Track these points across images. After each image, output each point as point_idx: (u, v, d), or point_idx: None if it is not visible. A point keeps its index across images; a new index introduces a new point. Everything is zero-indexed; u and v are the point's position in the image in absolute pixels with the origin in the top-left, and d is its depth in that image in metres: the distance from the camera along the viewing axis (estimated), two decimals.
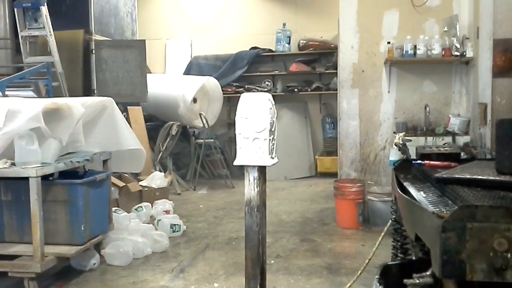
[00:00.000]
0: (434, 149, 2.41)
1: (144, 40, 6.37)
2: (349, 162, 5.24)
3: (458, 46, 4.75)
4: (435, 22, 4.95)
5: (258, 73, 8.11)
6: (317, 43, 7.93)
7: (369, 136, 5.17)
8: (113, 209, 4.22)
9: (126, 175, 5.41)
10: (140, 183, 5.54)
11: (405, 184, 1.93)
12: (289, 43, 8.04)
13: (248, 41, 8.18)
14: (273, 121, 1.69)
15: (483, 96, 4.39)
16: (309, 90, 7.88)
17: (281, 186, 6.92)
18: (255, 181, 1.65)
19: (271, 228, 4.68)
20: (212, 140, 7.31)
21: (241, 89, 7.83)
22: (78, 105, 3.51)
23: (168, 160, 6.91)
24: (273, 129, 1.68)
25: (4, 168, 3.11)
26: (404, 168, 2.23)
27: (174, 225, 4.65)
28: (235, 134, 1.68)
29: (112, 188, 4.19)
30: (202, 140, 7.28)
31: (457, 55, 4.75)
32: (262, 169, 1.67)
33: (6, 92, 4.40)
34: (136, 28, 7.27)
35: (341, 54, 5.25)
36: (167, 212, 5.10)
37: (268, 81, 8.06)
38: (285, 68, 8.09)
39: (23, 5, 5.21)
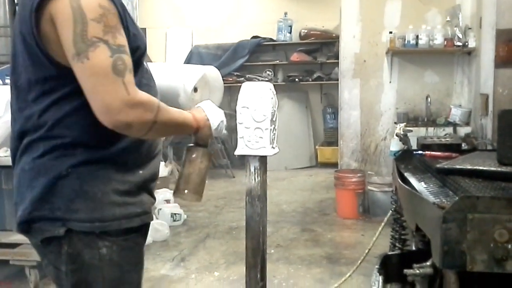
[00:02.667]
0: (435, 139, 2.41)
1: (145, 29, 6.34)
2: (349, 153, 5.24)
3: (460, 36, 4.72)
4: (437, 12, 4.92)
5: (259, 63, 8.07)
6: (318, 32, 7.88)
7: (370, 127, 5.16)
8: None
9: None
10: None
11: (405, 174, 1.92)
12: (290, 33, 7.99)
13: (249, 30, 8.14)
14: (274, 111, 1.68)
15: (485, 86, 4.38)
16: (310, 80, 7.85)
17: (282, 176, 6.93)
18: (256, 171, 1.65)
19: (272, 217, 4.69)
20: None
21: (242, 78, 7.79)
22: None
23: (169, 149, 6.91)
24: (274, 119, 1.68)
25: (5, 156, 3.11)
26: (405, 159, 2.23)
27: (175, 214, 4.66)
28: (235, 124, 1.67)
29: None
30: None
31: (459, 46, 4.73)
32: (263, 159, 1.67)
33: (6, 81, 4.39)
34: (137, 17, 7.23)
35: (342, 43, 5.22)
36: (167, 201, 5.11)
37: (269, 70, 8.03)
38: (286, 57, 8.05)
39: None
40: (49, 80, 1.18)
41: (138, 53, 1.26)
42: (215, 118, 1.47)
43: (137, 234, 1.31)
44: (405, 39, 4.81)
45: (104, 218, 1.22)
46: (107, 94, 1.11)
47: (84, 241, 1.21)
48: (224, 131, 1.53)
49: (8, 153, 3.14)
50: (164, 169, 5.74)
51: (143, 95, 1.17)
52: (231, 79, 7.94)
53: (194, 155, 1.44)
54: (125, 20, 1.19)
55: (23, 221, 1.25)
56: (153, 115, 1.17)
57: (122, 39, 1.15)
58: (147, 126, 1.17)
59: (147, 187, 1.34)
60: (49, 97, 1.19)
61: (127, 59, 1.15)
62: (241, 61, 7.97)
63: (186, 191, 1.42)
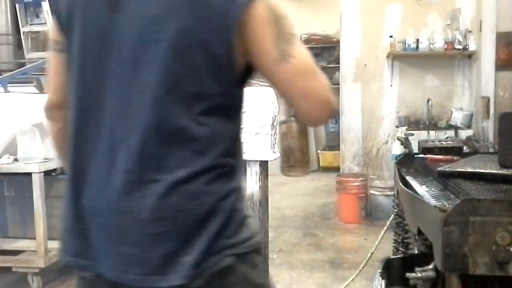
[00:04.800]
0: (437, 143, 2.41)
1: None
2: (351, 157, 5.24)
3: (460, 39, 4.72)
4: (437, 16, 4.92)
5: None
6: (319, 37, 7.90)
7: (371, 131, 5.16)
8: None
9: None
10: None
11: (407, 178, 1.92)
12: None
13: None
14: (275, 116, 1.69)
15: (485, 89, 4.38)
16: None
17: (283, 181, 6.91)
18: (257, 175, 1.66)
19: (274, 222, 4.68)
20: None
21: None
22: None
23: None
24: (275, 124, 1.68)
25: (7, 163, 3.12)
26: (407, 162, 2.23)
27: None
28: None
29: None
30: None
31: (459, 49, 4.73)
32: (264, 164, 1.68)
33: (8, 88, 4.40)
34: None
35: (343, 48, 5.23)
36: None
37: None
38: None
39: (25, 0, 5.21)
40: (218, 96, 1.01)
41: None
42: None
43: None
44: (405, 43, 4.81)
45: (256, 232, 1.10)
46: (322, 86, 1.05)
47: (248, 262, 1.05)
48: None
49: (11, 160, 3.15)
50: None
51: None
52: None
53: (295, 128, 1.42)
54: None
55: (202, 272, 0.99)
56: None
57: None
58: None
59: None
60: (216, 116, 1.01)
61: None
62: None
63: (298, 165, 1.38)
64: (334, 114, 1.11)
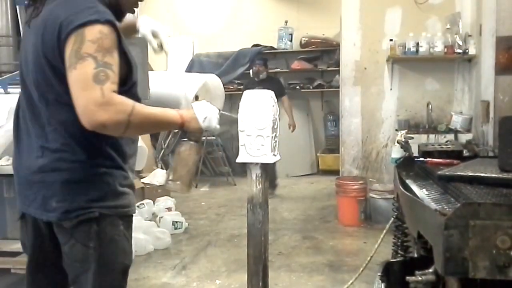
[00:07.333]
0: (437, 146, 2.41)
1: None
2: (351, 160, 5.24)
3: (460, 43, 4.73)
4: (437, 20, 4.94)
5: None
6: (319, 40, 7.91)
7: (371, 134, 5.16)
8: None
9: None
10: (142, 180, 5.54)
11: (407, 181, 1.92)
12: (291, 41, 8.02)
13: (250, 39, 8.17)
14: (276, 119, 1.69)
15: (485, 93, 4.38)
16: (311, 87, 7.87)
17: (283, 184, 6.92)
18: (258, 178, 1.65)
19: (273, 225, 4.68)
20: (214, 137, 7.31)
21: (243, 86, 7.81)
22: None
23: (170, 157, 6.91)
24: (275, 127, 1.68)
25: (7, 165, 3.12)
26: (407, 166, 2.22)
27: (176, 222, 4.66)
28: (237, 132, 1.68)
29: None
30: (204, 138, 7.28)
31: (459, 53, 4.74)
32: (264, 167, 1.67)
33: (8, 90, 4.40)
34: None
35: (343, 51, 5.24)
36: (169, 209, 5.11)
37: None
38: (287, 65, 8.07)
39: (25, 2, 5.22)
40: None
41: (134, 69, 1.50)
42: (201, 112, 1.56)
43: None
44: (405, 47, 4.82)
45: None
46: (84, 97, 1.30)
47: (108, 221, 1.48)
48: (217, 125, 1.60)
49: (10, 161, 3.14)
50: (165, 177, 5.74)
51: (116, 98, 1.32)
52: (232, 87, 7.95)
53: (182, 148, 1.58)
54: (123, 46, 1.43)
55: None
56: (126, 115, 1.32)
57: (111, 59, 1.34)
58: (121, 125, 1.33)
59: None
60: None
61: (111, 74, 1.33)
62: (242, 69, 7.98)
63: (172, 180, 1.56)
64: (101, 127, 1.31)
